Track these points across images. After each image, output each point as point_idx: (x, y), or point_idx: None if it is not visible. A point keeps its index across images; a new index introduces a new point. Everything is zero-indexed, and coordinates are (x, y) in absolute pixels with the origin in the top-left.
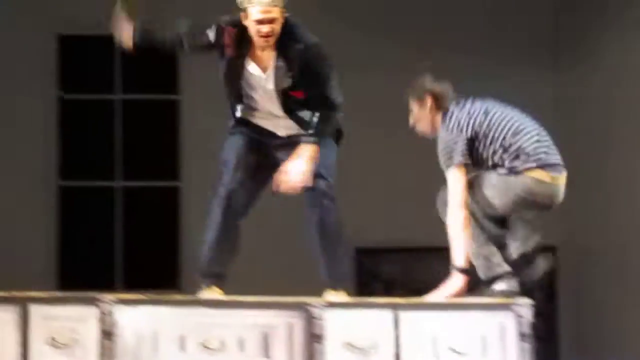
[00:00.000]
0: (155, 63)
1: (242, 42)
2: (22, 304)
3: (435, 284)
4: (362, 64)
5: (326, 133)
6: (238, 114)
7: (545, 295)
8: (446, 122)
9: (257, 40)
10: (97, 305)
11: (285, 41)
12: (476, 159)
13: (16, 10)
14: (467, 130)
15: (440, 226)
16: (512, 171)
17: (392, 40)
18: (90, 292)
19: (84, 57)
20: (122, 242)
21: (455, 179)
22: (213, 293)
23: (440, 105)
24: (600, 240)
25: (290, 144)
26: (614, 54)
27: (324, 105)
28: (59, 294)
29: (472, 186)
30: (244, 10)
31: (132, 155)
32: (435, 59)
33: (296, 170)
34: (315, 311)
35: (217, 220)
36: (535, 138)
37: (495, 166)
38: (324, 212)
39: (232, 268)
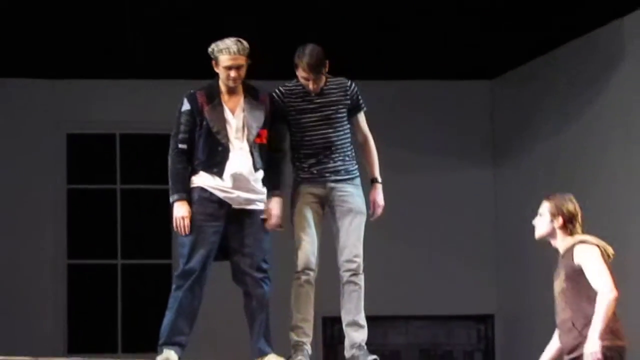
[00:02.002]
0: (150, 156)
1: (213, 95)
2: None
3: (389, 349)
4: None
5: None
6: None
7: (484, 357)
8: None
9: (227, 84)
10: None
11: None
12: None
13: (31, 112)
14: None
15: (395, 298)
16: None
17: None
18: (97, 355)
19: (89, 152)
20: (122, 313)
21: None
22: (171, 357)
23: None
24: (533, 308)
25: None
26: (546, 148)
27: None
28: (76, 358)
29: None
30: (215, 59)
31: (131, 237)
32: (390, 154)
33: (276, 214)
34: None
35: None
36: None
37: None
38: (265, 291)
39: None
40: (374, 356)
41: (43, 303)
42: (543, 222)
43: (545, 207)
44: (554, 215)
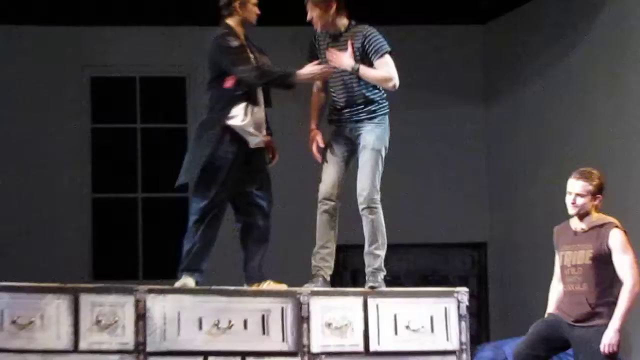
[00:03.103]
0: (167, 97)
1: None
2: (74, 293)
3: (391, 275)
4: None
5: None
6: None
7: (478, 282)
8: None
9: (251, 20)
10: (133, 294)
11: None
12: None
13: (58, 58)
14: None
15: (396, 228)
16: None
17: None
18: (120, 282)
19: (111, 94)
20: (142, 242)
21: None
22: (189, 283)
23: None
24: (522, 237)
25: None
26: (535, 91)
27: None
28: (102, 285)
29: None
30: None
31: (150, 172)
32: (388, 96)
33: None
34: (303, 298)
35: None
36: None
37: None
38: (268, 222)
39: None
40: (376, 283)
41: (71, 234)
42: (582, 201)
43: (582, 187)
44: (593, 195)
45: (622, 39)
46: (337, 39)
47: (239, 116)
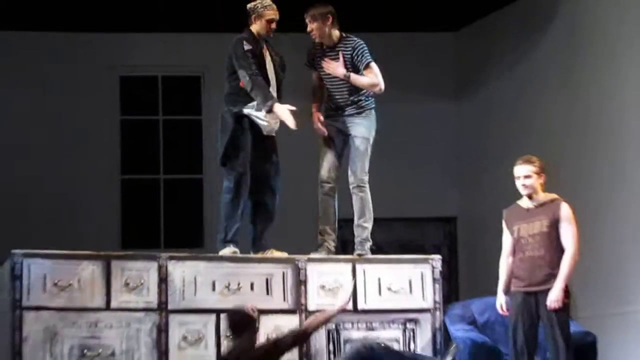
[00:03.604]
0: (185, 93)
1: (257, 43)
2: (106, 260)
3: (375, 245)
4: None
5: None
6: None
7: (449, 250)
8: None
9: (265, 35)
10: (156, 261)
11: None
12: None
13: (92, 60)
14: None
15: (379, 204)
16: None
17: None
18: (145, 250)
19: (137, 90)
20: (164, 216)
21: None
22: (231, 252)
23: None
24: (487, 212)
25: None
26: (501, 87)
27: None
28: (130, 252)
29: None
30: (259, 14)
31: (170, 157)
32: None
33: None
34: (301, 264)
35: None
36: None
37: None
38: (276, 202)
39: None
40: (363, 251)
41: (103, 209)
42: (531, 181)
43: (528, 169)
44: (538, 174)
45: (572, 42)
46: (331, 49)
47: (253, 107)
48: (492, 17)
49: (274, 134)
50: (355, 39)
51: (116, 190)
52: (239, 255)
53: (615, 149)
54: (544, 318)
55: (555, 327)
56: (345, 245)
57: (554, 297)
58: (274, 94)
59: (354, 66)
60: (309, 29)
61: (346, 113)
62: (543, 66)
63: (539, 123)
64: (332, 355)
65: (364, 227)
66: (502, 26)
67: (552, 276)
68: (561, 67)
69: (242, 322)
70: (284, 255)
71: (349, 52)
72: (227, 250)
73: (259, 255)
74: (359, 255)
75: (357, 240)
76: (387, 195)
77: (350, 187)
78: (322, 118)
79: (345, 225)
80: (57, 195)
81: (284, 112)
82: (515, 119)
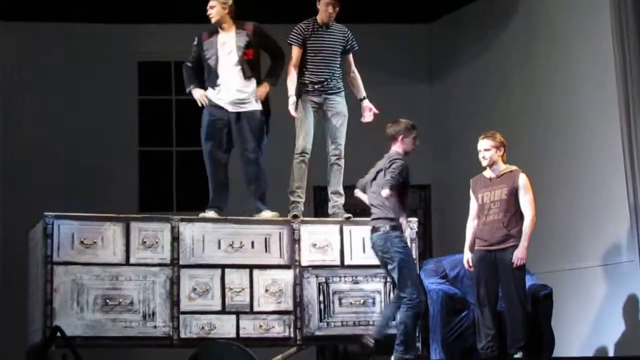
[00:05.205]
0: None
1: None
2: (126, 221)
3: (354, 210)
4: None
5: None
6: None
7: (424, 213)
8: None
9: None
10: (169, 222)
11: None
12: None
13: (114, 47)
14: None
15: (358, 174)
16: None
17: None
18: (159, 213)
19: (154, 74)
20: (176, 183)
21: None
22: (212, 214)
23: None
24: (457, 180)
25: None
26: (469, 71)
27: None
28: (147, 215)
29: None
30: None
31: (182, 131)
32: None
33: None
34: (295, 225)
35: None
36: None
37: None
38: (256, 168)
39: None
40: (349, 214)
41: (123, 177)
42: (490, 154)
43: (488, 143)
44: (497, 148)
45: (529, 33)
46: (326, 30)
47: (211, 91)
48: (461, 12)
49: (239, 110)
50: (343, 26)
51: (135, 161)
52: (240, 217)
53: (566, 124)
54: (501, 275)
55: (511, 283)
56: (317, 209)
57: (520, 255)
58: (231, 77)
59: (343, 48)
60: (335, 10)
61: (328, 91)
62: (504, 53)
63: (500, 102)
64: (322, 305)
65: (341, 194)
66: (470, 19)
67: (509, 237)
68: (519, 54)
69: None
70: (276, 215)
71: (344, 36)
72: (206, 214)
73: (255, 217)
74: (347, 218)
75: (337, 204)
76: (369, 165)
77: (333, 158)
78: (297, 102)
79: (319, 191)
80: (84, 165)
81: (197, 97)
82: (480, 99)
